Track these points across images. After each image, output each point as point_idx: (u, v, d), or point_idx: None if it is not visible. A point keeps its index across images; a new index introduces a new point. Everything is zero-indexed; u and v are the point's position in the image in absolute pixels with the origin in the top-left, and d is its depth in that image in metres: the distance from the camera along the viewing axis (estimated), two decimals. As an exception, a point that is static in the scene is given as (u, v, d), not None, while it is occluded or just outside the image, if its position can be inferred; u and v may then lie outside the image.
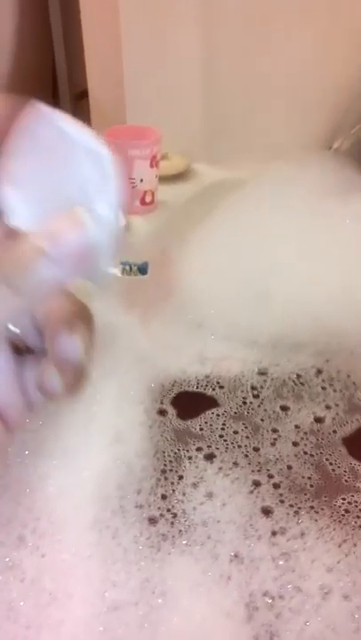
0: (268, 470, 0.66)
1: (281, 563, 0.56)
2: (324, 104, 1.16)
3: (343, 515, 0.61)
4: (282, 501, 0.62)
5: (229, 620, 0.52)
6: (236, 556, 0.57)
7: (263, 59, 1.16)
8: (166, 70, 1.22)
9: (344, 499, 0.62)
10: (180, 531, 0.59)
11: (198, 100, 1.23)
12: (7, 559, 0.54)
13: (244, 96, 1.20)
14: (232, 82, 1.20)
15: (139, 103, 1.26)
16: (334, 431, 0.71)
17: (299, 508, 0.61)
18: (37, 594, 0.52)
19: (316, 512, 0.61)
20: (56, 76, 1.46)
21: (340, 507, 0.62)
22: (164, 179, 1.14)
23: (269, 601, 0.53)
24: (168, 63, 1.21)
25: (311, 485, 0.64)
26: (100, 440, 0.68)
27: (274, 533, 0.59)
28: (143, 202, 1.07)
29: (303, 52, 1.14)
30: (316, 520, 0.60)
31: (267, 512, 0.61)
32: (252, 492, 0.63)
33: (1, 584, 0.53)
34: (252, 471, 0.66)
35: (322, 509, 0.61)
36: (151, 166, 1.04)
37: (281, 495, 0.63)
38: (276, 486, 0.64)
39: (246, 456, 0.68)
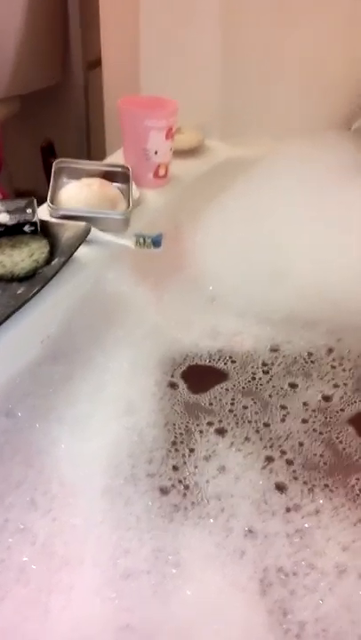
0: (280, 446, 0.65)
1: (296, 540, 0.55)
2: (345, 84, 1.13)
3: (358, 494, 0.60)
4: (296, 478, 0.61)
5: (243, 594, 0.51)
6: (250, 531, 0.56)
7: (283, 37, 1.14)
8: (184, 42, 1.19)
9: (358, 478, 0.62)
10: (193, 503, 0.58)
11: (214, 74, 1.21)
12: (18, 522, 0.53)
13: (261, 73, 1.18)
14: (250, 58, 1.17)
15: (153, 74, 1.23)
16: (342, 409, 0.71)
17: (313, 485, 0.60)
18: (48, 558, 0.51)
19: (331, 490, 0.60)
20: (67, 43, 1.43)
21: (353, 486, 0.61)
22: (178, 153, 1.11)
23: (283, 577, 0.52)
24: (186, 35, 1.18)
25: (324, 463, 0.63)
26: (110, 409, 0.67)
27: (288, 510, 0.58)
28: (157, 175, 1.04)
29: (324, 32, 1.11)
30: (330, 498, 0.59)
31: (281, 488, 0.60)
32: (265, 467, 0.62)
33: (12, 547, 0.51)
34: (265, 447, 0.65)
35: (336, 488, 0.60)
36: (167, 138, 1.01)
37: (295, 472, 0.62)
38: (289, 462, 0.63)
39: (257, 431, 0.67)
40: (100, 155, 1.39)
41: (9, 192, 1.31)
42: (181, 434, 0.66)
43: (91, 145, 1.51)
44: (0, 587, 0.50)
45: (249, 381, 0.74)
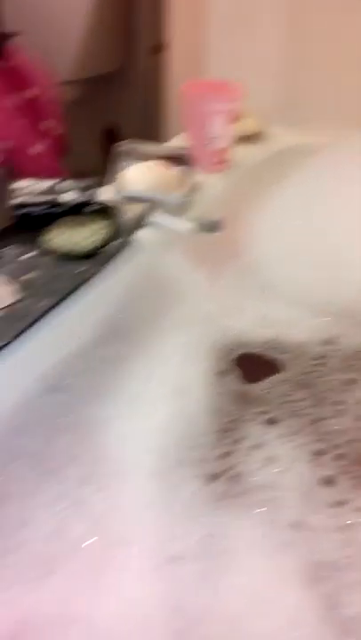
0: (331, 440, 0.64)
1: (342, 534, 0.54)
2: None
3: None
4: (345, 472, 0.60)
5: (290, 585, 0.51)
6: (296, 523, 0.55)
7: (352, 22, 1.11)
8: (250, 27, 1.18)
9: None
10: (239, 492, 0.58)
11: (279, 59, 1.19)
12: (70, 497, 0.54)
13: (327, 59, 1.16)
14: (316, 44, 1.16)
15: (218, 58, 1.23)
16: None
17: (363, 480, 0.60)
18: (100, 536, 0.52)
19: (382, 486, 0.59)
20: (131, 28, 1.43)
21: None
22: (239, 139, 1.11)
23: (330, 571, 0.52)
24: (252, 19, 1.17)
25: (377, 460, 0.62)
26: (162, 392, 0.67)
27: (336, 504, 0.57)
28: (217, 160, 1.04)
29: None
30: (381, 494, 0.58)
31: (329, 482, 0.59)
32: (314, 460, 0.62)
33: (65, 521, 0.52)
34: (316, 440, 0.64)
35: (387, 484, 0.59)
36: (228, 123, 1.01)
37: (345, 466, 0.61)
38: (339, 457, 0.62)
39: (310, 424, 0.66)
40: (161, 138, 1.39)
41: (72, 173, 1.32)
42: (230, 421, 0.65)
43: (152, 129, 1.51)
44: (51, 559, 0.51)
45: (304, 373, 0.73)
